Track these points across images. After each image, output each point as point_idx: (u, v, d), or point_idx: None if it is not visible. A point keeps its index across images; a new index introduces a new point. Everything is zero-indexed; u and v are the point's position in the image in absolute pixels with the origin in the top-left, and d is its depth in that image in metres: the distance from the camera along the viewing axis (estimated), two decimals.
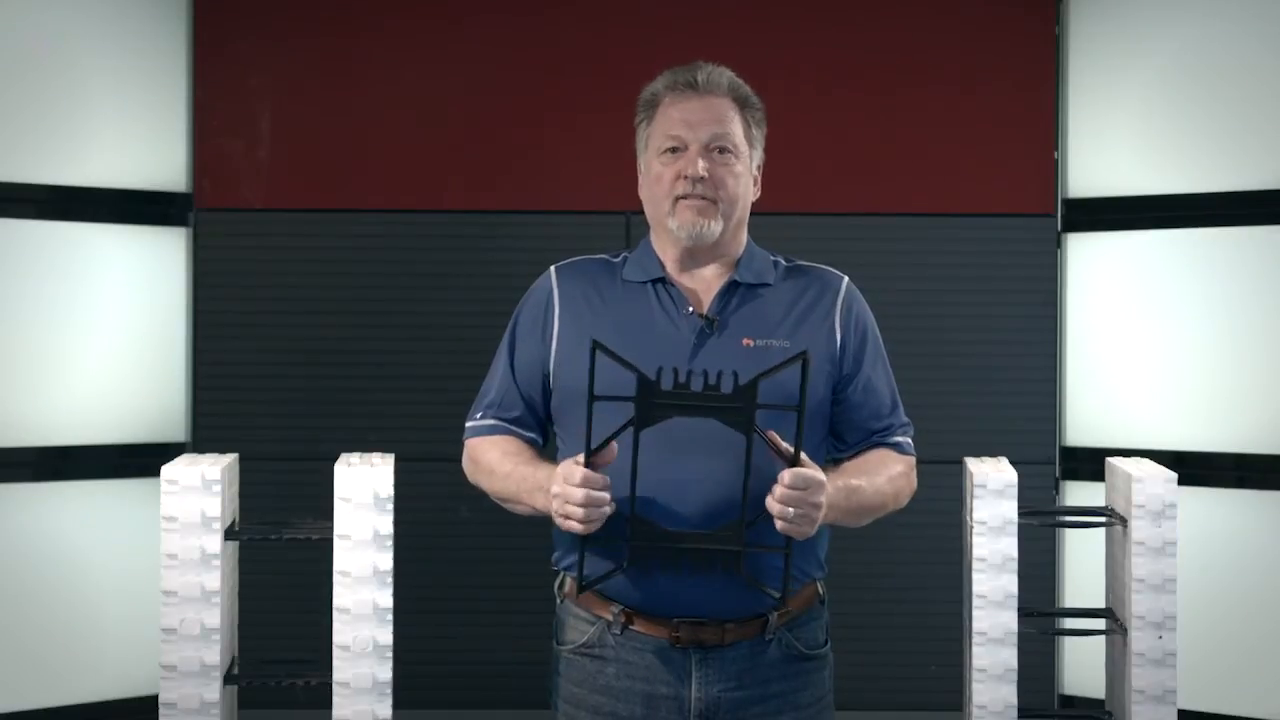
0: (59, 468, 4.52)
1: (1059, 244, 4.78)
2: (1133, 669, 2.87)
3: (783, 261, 2.66)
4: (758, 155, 2.63)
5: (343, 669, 2.72)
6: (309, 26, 4.80)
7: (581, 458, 2.37)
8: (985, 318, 4.77)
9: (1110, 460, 3.11)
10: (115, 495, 4.57)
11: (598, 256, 2.67)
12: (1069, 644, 4.71)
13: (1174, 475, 2.90)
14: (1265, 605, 4.46)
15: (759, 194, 2.65)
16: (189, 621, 2.71)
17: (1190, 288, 4.61)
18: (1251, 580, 4.48)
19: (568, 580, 2.60)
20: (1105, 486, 3.13)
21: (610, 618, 2.53)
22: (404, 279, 4.77)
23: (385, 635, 2.73)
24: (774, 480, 2.36)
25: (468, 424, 2.66)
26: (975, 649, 2.87)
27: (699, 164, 2.54)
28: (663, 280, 2.59)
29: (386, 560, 2.73)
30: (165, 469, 2.74)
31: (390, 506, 2.74)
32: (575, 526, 2.38)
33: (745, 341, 2.53)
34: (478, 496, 2.67)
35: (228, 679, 2.80)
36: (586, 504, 2.35)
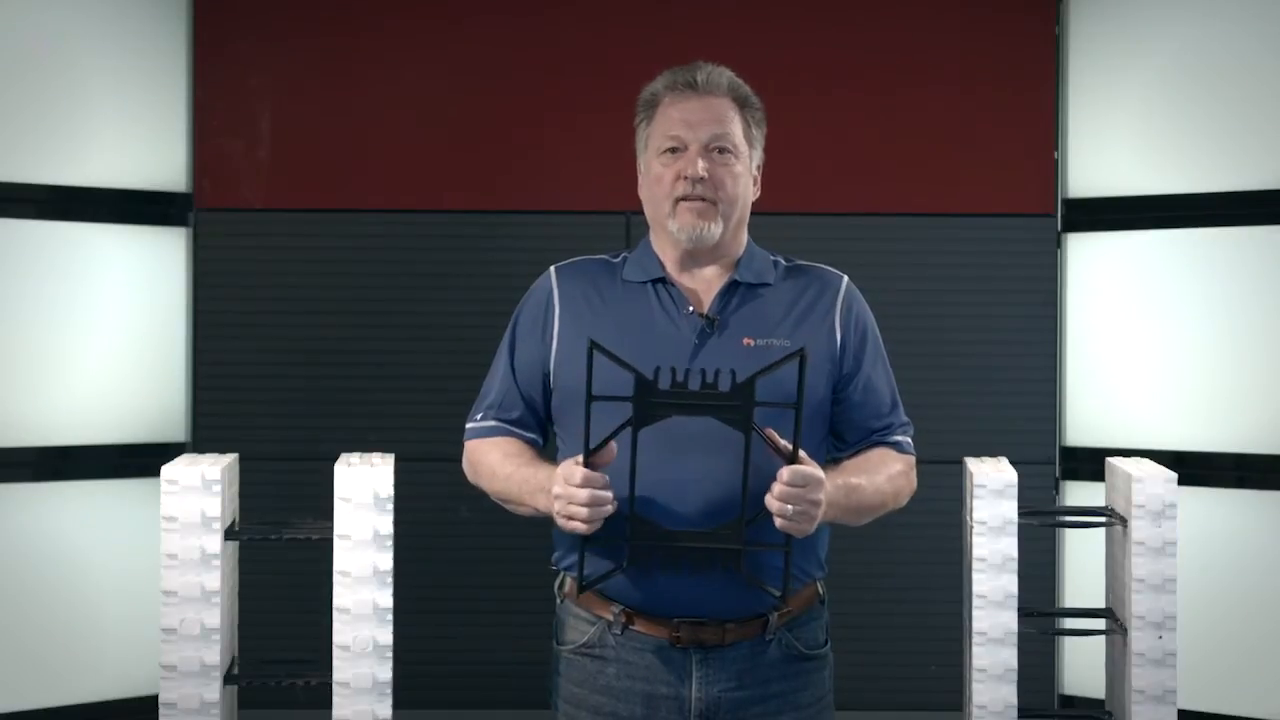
0: (59, 468, 4.52)
1: (1059, 244, 4.78)
2: (1133, 669, 2.87)
3: (782, 261, 2.66)
4: (757, 155, 2.63)
5: (343, 669, 2.72)
6: (309, 26, 4.80)
7: (581, 458, 2.37)
8: (985, 318, 4.77)
9: (1110, 460, 3.11)
10: (115, 495, 4.57)
11: (597, 257, 2.67)
12: (1069, 644, 4.71)
13: (1174, 475, 2.90)
14: (1265, 605, 4.46)
15: (759, 194, 2.65)
16: (189, 621, 2.71)
17: (1190, 288, 4.61)
18: (1251, 580, 4.48)
19: (568, 580, 2.60)
20: (1105, 486, 3.13)
21: (610, 618, 2.53)
22: (404, 279, 4.77)
23: (385, 635, 2.73)
24: (773, 478, 2.36)
25: (468, 425, 2.66)
26: (975, 649, 2.87)
27: (699, 164, 2.54)
28: (663, 280, 2.59)
29: (386, 560, 2.73)
30: (165, 469, 2.74)
31: (390, 506, 2.74)
32: (578, 527, 2.38)
33: (746, 341, 2.53)
34: (478, 496, 2.67)
35: (228, 679, 2.80)
36: (590, 503, 2.35)
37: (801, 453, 2.37)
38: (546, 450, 2.63)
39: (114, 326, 4.61)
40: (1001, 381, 4.77)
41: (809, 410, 2.45)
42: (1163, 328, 4.64)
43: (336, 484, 2.74)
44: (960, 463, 3.06)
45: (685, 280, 2.60)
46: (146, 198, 4.67)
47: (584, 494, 2.35)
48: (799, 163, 4.69)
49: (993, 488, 2.88)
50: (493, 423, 2.62)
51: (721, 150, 2.56)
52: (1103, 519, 3.05)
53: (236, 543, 2.90)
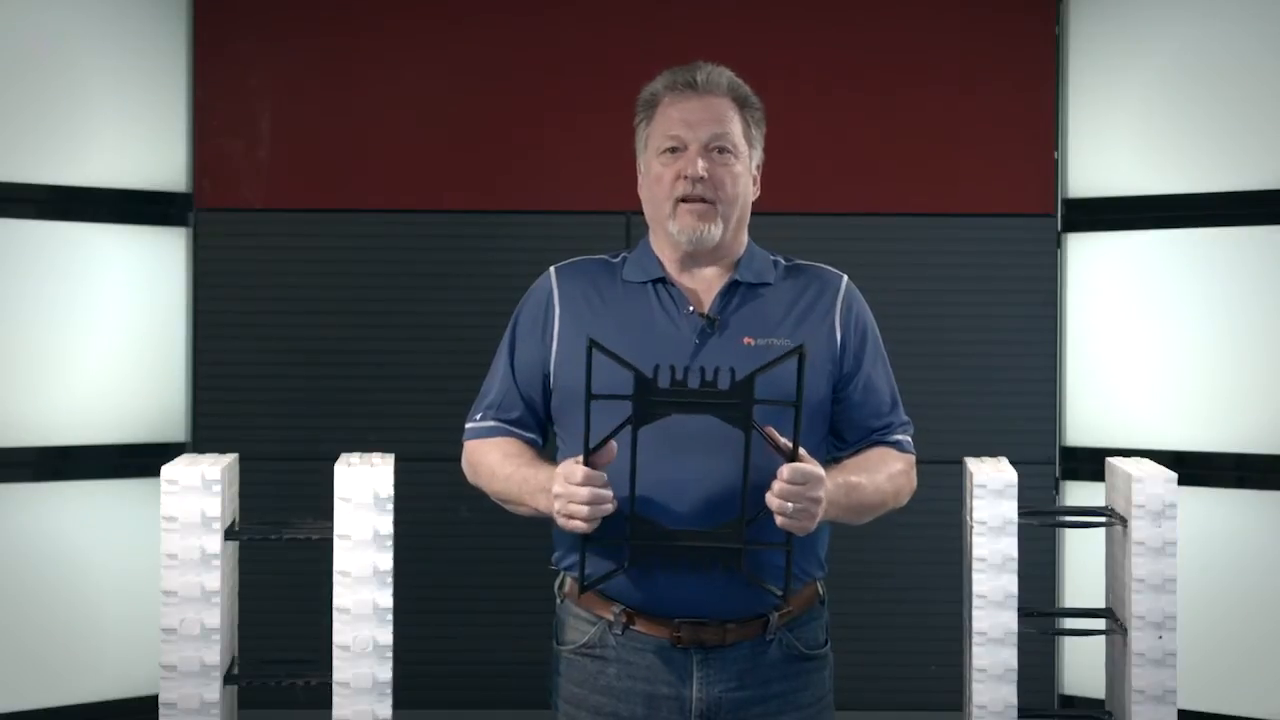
0: (59, 468, 4.52)
1: (1059, 244, 4.78)
2: (1133, 669, 2.87)
3: (782, 261, 2.66)
4: (757, 155, 2.63)
5: (343, 669, 2.72)
6: (309, 26, 4.80)
7: (581, 457, 2.37)
8: (985, 318, 4.77)
9: (1110, 460, 3.11)
10: (115, 495, 4.57)
11: (597, 257, 2.67)
12: (1069, 644, 4.71)
13: (1174, 475, 2.90)
14: (1265, 605, 4.46)
15: (759, 194, 2.65)
16: (189, 621, 2.71)
17: (1190, 288, 4.61)
18: (1251, 580, 4.48)
19: (568, 580, 2.60)
20: (1105, 486, 3.12)
21: (611, 618, 2.53)
22: (404, 279, 4.77)
23: (385, 635, 2.72)
24: (773, 477, 2.36)
25: (467, 425, 2.66)
26: (975, 649, 2.87)
27: (698, 164, 2.54)
28: (663, 280, 2.59)
29: (386, 560, 2.73)
30: (165, 469, 2.74)
31: (390, 506, 2.74)
32: (578, 526, 2.38)
33: (746, 341, 2.54)
34: (478, 496, 2.67)
35: (228, 679, 2.80)
36: (590, 502, 2.35)
37: (801, 450, 2.37)
38: (546, 450, 2.63)
39: (114, 326, 4.61)
40: (1001, 381, 4.77)
41: (809, 409, 2.45)
42: (1163, 328, 4.64)
43: (336, 484, 2.74)
44: (960, 463, 3.06)
45: (685, 280, 2.60)
46: (146, 198, 4.67)
47: (584, 492, 2.35)
48: (799, 163, 4.69)
49: (993, 488, 2.88)
50: (492, 423, 2.62)
51: (721, 150, 2.56)
52: (1103, 519, 3.04)
53: (236, 543, 2.90)
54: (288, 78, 4.80)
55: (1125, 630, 2.91)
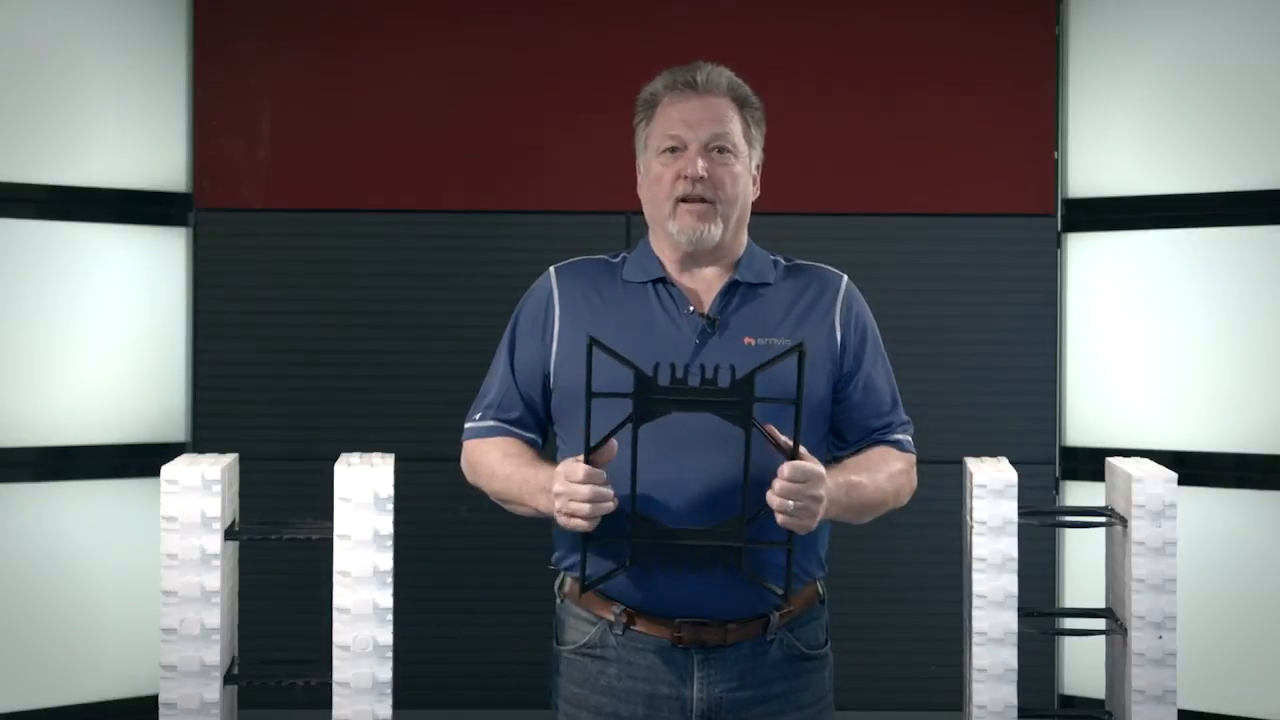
0: (59, 468, 4.52)
1: (1059, 244, 4.78)
2: (1133, 669, 2.87)
3: (782, 261, 2.66)
4: (757, 155, 2.63)
5: (343, 669, 2.72)
6: (309, 26, 4.80)
7: (582, 456, 2.37)
8: (985, 318, 4.77)
9: (1110, 460, 3.11)
10: (115, 495, 4.57)
11: (597, 257, 2.67)
12: (1069, 644, 4.71)
13: (1174, 475, 2.90)
14: (1265, 605, 4.46)
15: (758, 194, 2.66)
16: (189, 621, 2.71)
17: (1190, 288, 4.61)
18: (1251, 580, 4.48)
19: (568, 580, 2.60)
20: (1105, 486, 3.12)
21: (612, 618, 2.53)
22: (404, 279, 4.77)
23: (385, 635, 2.72)
24: (774, 475, 2.36)
25: (467, 424, 2.66)
26: (975, 649, 2.87)
27: (698, 164, 2.54)
28: (663, 280, 2.59)
29: (386, 560, 2.73)
30: (165, 469, 2.73)
31: (390, 506, 2.74)
32: (579, 524, 2.38)
33: (746, 341, 2.54)
34: (478, 496, 2.67)
35: (228, 679, 2.80)
36: (592, 500, 2.35)
37: (802, 449, 2.37)
38: (546, 450, 2.63)
39: (114, 326, 4.61)
40: (1001, 381, 4.77)
41: (809, 409, 2.45)
42: (1163, 328, 4.64)
43: (336, 484, 2.74)
44: (960, 463, 3.06)
45: (685, 280, 2.60)
46: (146, 198, 4.67)
47: (586, 490, 2.35)
48: (799, 163, 4.69)
49: (993, 488, 2.88)
50: (492, 422, 2.62)
51: (721, 150, 2.56)
52: (1103, 519, 3.04)
53: (236, 543, 2.90)
54: (288, 78, 4.80)
55: (1125, 630, 2.91)
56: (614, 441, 2.36)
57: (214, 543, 2.72)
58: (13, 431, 4.45)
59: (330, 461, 2.79)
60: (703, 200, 2.55)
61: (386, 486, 2.74)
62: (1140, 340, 4.67)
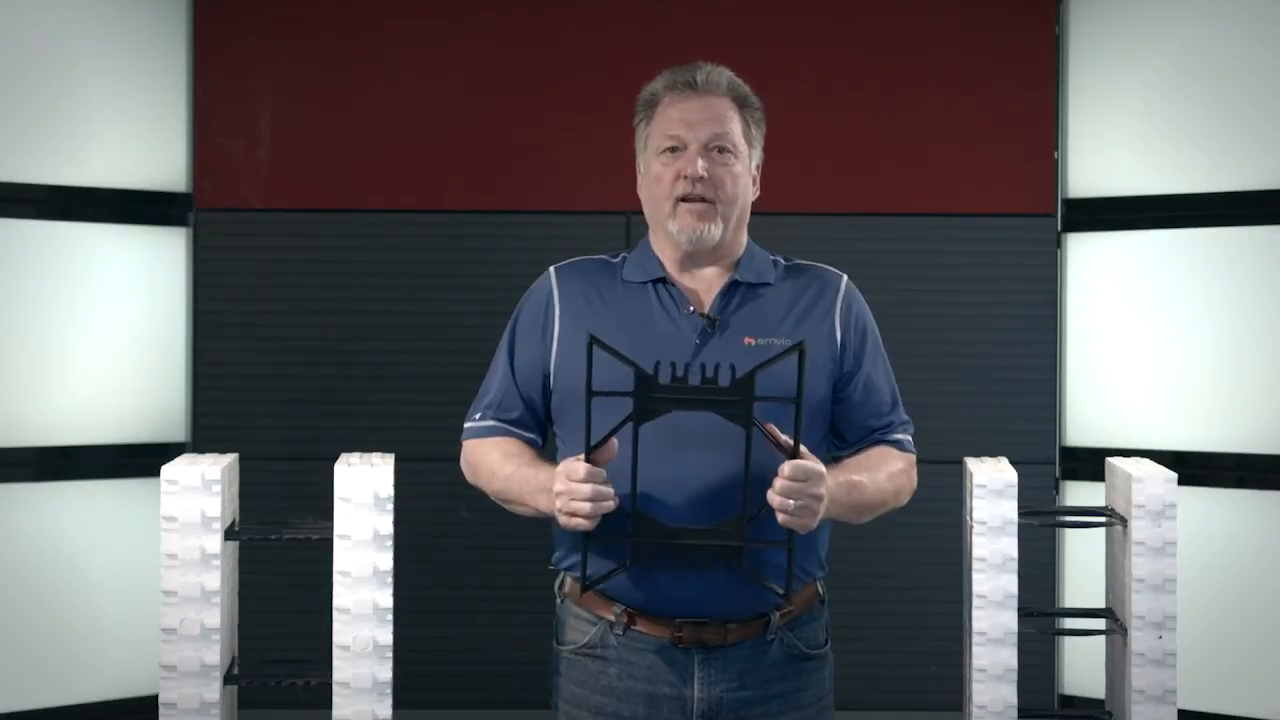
0: (59, 468, 4.52)
1: (1059, 244, 4.78)
2: (1133, 669, 2.87)
3: (782, 261, 2.66)
4: (757, 155, 2.63)
5: (343, 669, 2.72)
6: (309, 26, 4.80)
7: (583, 455, 2.37)
8: (985, 318, 4.77)
9: (1110, 460, 3.11)
10: (115, 495, 4.57)
11: (597, 257, 2.67)
12: (1069, 644, 4.71)
13: (1174, 475, 2.90)
14: (1265, 605, 4.46)
15: (758, 194, 2.66)
16: (189, 621, 2.71)
17: (1190, 288, 4.61)
18: (1251, 580, 4.48)
19: (568, 580, 2.60)
20: (1105, 486, 3.12)
21: (612, 618, 2.53)
22: (404, 279, 4.77)
23: (385, 635, 2.72)
24: (774, 474, 2.36)
25: (466, 424, 2.66)
26: (975, 649, 2.87)
27: (698, 164, 2.54)
28: (663, 280, 2.59)
29: (386, 560, 2.73)
30: (165, 469, 2.73)
31: (390, 506, 2.74)
32: (580, 524, 2.38)
33: (747, 341, 2.54)
34: (478, 496, 2.67)
35: (228, 679, 2.80)
36: (593, 498, 2.35)
37: (803, 448, 2.37)
38: (546, 450, 2.63)
39: (114, 326, 4.61)
40: (1001, 381, 4.77)
41: (809, 409, 2.45)
42: (1163, 328, 4.64)
43: (336, 484, 2.74)
44: (960, 463, 3.06)
45: (685, 280, 2.60)
46: (146, 198, 4.67)
47: (586, 489, 2.35)
48: (799, 163, 4.69)
49: (993, 488, 2.88)
50: (492, 422, 2.62)
51: (721, 150, 2.56)
52: (1103, 519, 3.04)
53: (236, 543, 2.90)
54: (288, 78, 4.80)
55: (1125, 630, 2.91)
56: (615, 440, 2.36)
57: (214, 543, 2.72)
58: (13, 431, 4.45)
59: (330, 461, 2.79)
60: (703, 200, 2.55)
61: (386, 486, 2.74)
62: (1140, 340, 4.67)
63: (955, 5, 4.82)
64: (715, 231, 2.56)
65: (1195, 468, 4.47)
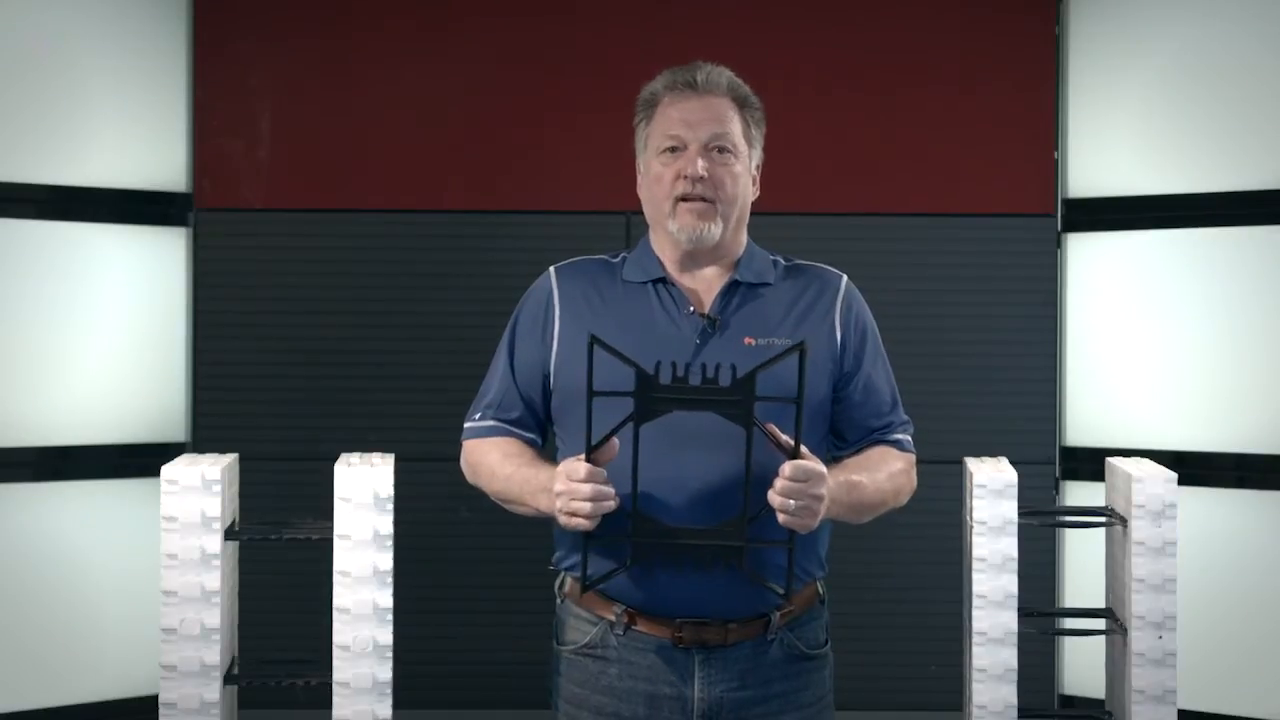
0: (59, 468, 4.52)
1: (1059, 244, 4.78)
2: (1133, 669, 2.87)
3: (782, 261, 2.66)
4: (757, 155, 2.63)
5: (343, 669, 2.72)
6: (309, 26, 4.80)
7: (583, 455, 2.37)
8: (985, 318, 4.77)
9: (1110, 460, 3.11)
10: (115, 495, 4.57)
11: (597, 257, 2.67)
12: (1069, 644, 4.71)
13: (1174, 475, 2.90)
14: (1265, 605, 4.46)
15: (758, 194, 2.66)
16: (189, 621, 2.71)
17: (1190, 288, 4.61)
18: (1251, 580, 4.48)
19: (568, 580, 2.60)
20: (1105, 486, 3.12)
21: (613, 618, 2.53)
22: (404, 279, 4.77)
23: (385, 635, 2.72)
24: (775, 474, 2.36)
25: (466, 424, 2.66)
26: (975, 649, 2.87)
27: (698, 163, 2.54)
28: (663, 280, 2.59)
29: (386, 560, 2.73)
30: (165, 469, 2.74)
31: (390, 506, 2.74)
32: (580, 524, 2.38)
33: (747, 341, 2.54)
34: (478, 496, 2.67)
35: (228, 679, 2.80)
36: (593, 498, 2.35)
37: (803, 448, 2.37)
38: (546, 450, 2.63)
39: (114, 326, 4.61)
40: (1001, 381, 4.77)
41: (810, 409, 2.45)
42: (1163, 328, 4.64)
43: (336, 484, 2.74)
44: (960, 463, 3.06)
45: (685, 280, 2.60)
46: (146, 198, 4.67)
47: (587, 489, 2.35)
48: (799, 163, 4.69)
49: (993, 488, 2.88)
50: (492, 422, 2.62)
51: (721, 150, 2.56)
52: (1103, 519, 3.04)
53: (236, 543, 2.90)
54: (288, 78, 4.80)
55: (1125, 630, 2.91)
56: (615, 440, 2.36)
57: (214, 543, 2.72)
58: (13, 431, 4.45)
59: (330, 461, 2.79)
60: (703, 199, 2.55)
61: (386, 486, 2.74)
62: (1140, 340, 4.67)
63: (955, 5, 4.82)
64: (715, 231, 2.56)
65: (1195, 468, 4.47)
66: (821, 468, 2.39)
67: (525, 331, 2.62)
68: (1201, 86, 4.57)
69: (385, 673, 2.73)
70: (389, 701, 2.73)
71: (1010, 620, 2.87)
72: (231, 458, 2.93)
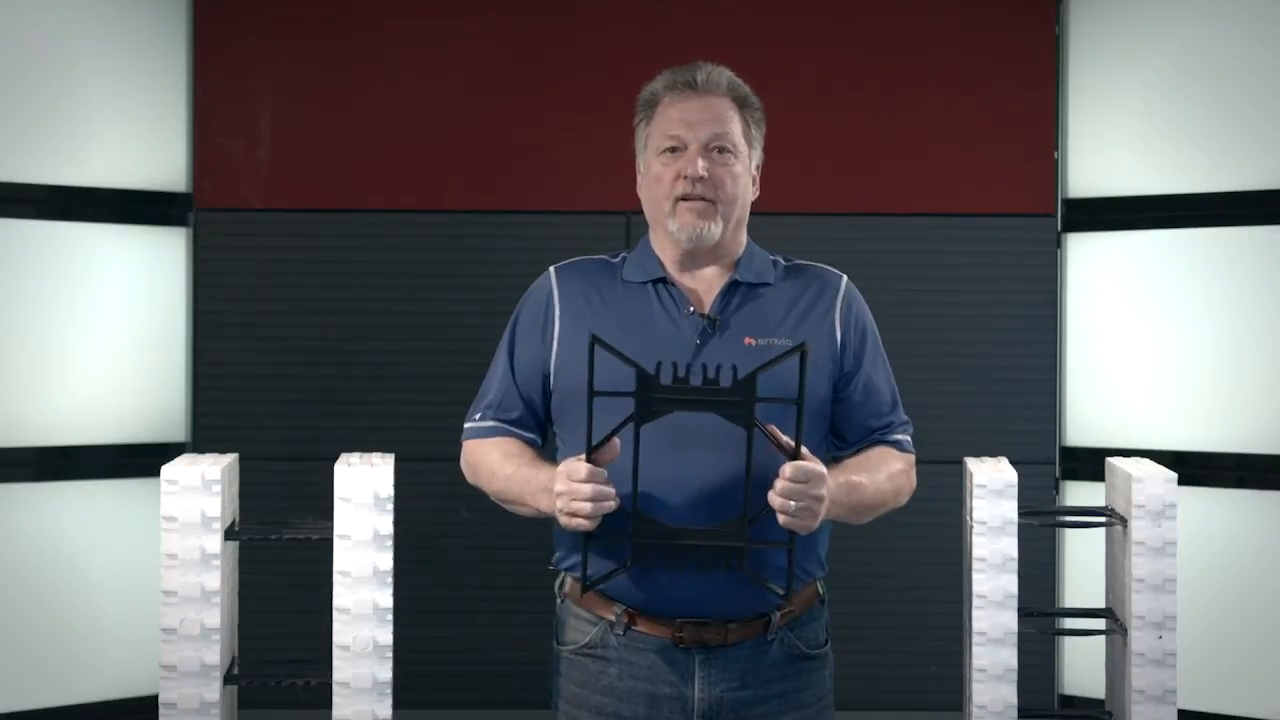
0: (59, 468, 4.52)
1: (1059, 244, 4.78)
2: (1133, 669, 2.87)
3: (781, 261, 2.66)
4: (757, 155, 2.63)
5: (343, 669, 2.72)
6: (309, 26, 4.80)
7: (584, 455, 2.37)
8: (985, 318, 4.77)
9: (1110, 460, 3.11)
10: (115, 495, 4.57)
11: (597, 257, 2.67)
12: (1069, 644, 4.71)
13: (1174, 475, 2.90)
14: (1265, 605, 4.46)
15: (758, 194, 2.66)
16: (189, 621, 2.71)
17: (1190, 288, 4.61)
18: (1251, 580, 4.48)
19: (568, 580, 2.60)
20: (1105, 486, 3.12)
21: (613, 618, 2.53)
22: (404, 279, 4.77)
23: (385, 635, 2.72)
24: (775, 475, 2.36)
25: (466, 424, 2.66)
26: (975, 649, 2.87)
27: (698, 164, 2.54)
28: (663, 280, 2.59)
29: (386, 560, 2.73)
30: (165, 469, 2.74)
31: (390, 506, 2.74)
32: (580, 524, 2.38)
33: (747, 340, 2.54)
34: (478, 496, 2.67)
35: (228, 679, 2.80)
36: (594, 498, 2.35)
37: (804, 449, 2.37)
38: (546, 450, 2.63)
39: (114, 326, 4.61)
40: (1001, 381, 4.77)
41: (810, 409, 2.45)
42: (1163, 328, 4.64)
43: (336, 484, 2.74)
44: (960, 463, 3.06)
45: (685, 280, 2.60)
46: (146, 198, 4.67)
47: (588, 489, 2.35)
48: (799, 163, 4.69)
49: (993, 488, 2.88)
50: (492, 422, 2.62)
51: (721, 150, 2.56)
52: (1103, 519, 3.04)
53: (236, 543, 2.90)
54: (288, 78, 4.80)
55: (1125, 630, 2.91)
56: (616, 441, 2.36)
57: (214, 543, 2.72)
58: (13, 431, 4.45)
59: (330, 461, 2.79)
60: (703, 199, 2.55)
61: (386, 486, 2.74)
62: (1140, 340, 4.67)
63: (955, 5, 4.82)
64: (715, 230, 2.56)
65: (1195, 468, 4.47)
66: (822, 469, 2.39)
67: (525, 331, 2.62)
68: (1201, 86, 4.57)
69: (385, 673, 2.73)
70: (389, 701, 2.73)
71: (1010, 620, 2.87)
72: (231, 458, 2.93)
